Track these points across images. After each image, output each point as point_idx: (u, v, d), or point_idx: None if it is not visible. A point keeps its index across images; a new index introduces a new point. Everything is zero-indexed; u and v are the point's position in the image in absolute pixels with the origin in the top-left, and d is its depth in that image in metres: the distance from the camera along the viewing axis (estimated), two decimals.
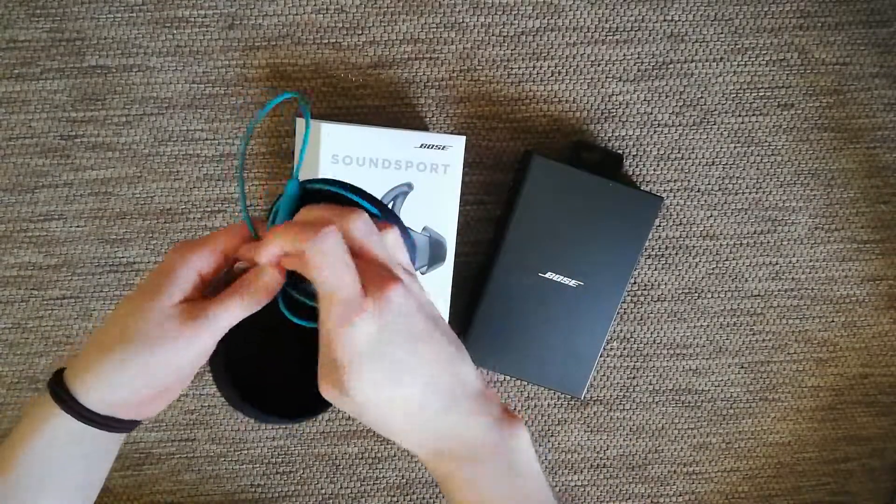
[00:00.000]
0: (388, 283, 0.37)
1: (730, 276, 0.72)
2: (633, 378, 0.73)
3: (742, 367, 0.73)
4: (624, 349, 0.73)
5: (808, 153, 0.71)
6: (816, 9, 0.69)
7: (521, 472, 0.39)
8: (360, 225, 0.38)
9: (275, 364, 0.49)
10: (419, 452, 0.40)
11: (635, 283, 0.72)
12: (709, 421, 0.74)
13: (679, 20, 0.69)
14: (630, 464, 0.74)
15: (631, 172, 0.70)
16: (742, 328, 0.73)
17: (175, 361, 0.40)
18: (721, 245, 0.72)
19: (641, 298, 0.72)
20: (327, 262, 0.36)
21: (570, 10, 0.68)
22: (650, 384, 0.73)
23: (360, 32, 0.67)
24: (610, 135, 0.70)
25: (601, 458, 0.74)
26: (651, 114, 0.70)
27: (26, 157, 0.67)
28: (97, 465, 0.43)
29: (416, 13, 0.67)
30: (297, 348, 0.49)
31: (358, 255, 0.38)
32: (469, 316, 0.66)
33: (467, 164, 0.68)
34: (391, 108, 0.68)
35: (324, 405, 0.49)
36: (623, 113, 0.70)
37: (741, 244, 0.72)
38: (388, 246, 0.40)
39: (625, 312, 0.72)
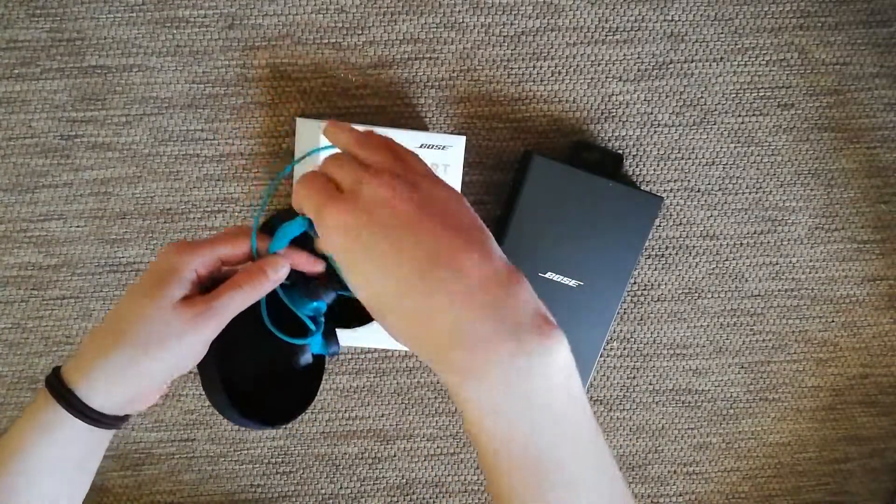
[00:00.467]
0: (364, 175, 0.36)
1: (730, 276, 0.72)
2: (633, 378, 0.73)
3: (742, 367, 0.73)
4: (624, 349, 0.72)
5: (808, 153, 0.71)
6: (816, 9, 0.69)
7: (537, 402, 0.31)
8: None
9: (262, 370, 0.49)
10: (427, 361, 0.34)
11: (635, 283, 0.72)
12: (709, 421, 0.74)
13: (679, 20, 0.69)
14: (630, 464, 0.74)
15: (631, 172, 0.70)
16: (742, 328, 0.73)
17: (182, 357, 0.41)
18: (721, 245, 0.72)
19: (641, 298, 0.72)
20: (303, 182, 0.38)
21: (570, 10, 0.68)
22: (650, 384, 0.73)
23: (360, 32, 0.67)
24: (610, 135, 0.70)
25: None
26: (651, 114, 0.70)
27: (26, 157, 0.67)
28: (91, 461, 0.44)
29: (416, 13, 0.67)
30: (283, 356, 0.50)
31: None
32: None
33: (467, 164, 0.68)
34: (391, 108, 0.68)
35: (305, 405, 0.50)
36: (623, 113, 0.70)
37: (741, 244, 0.72)
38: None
39: (625, 312, 0.72)
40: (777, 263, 0.72)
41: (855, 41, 0.70)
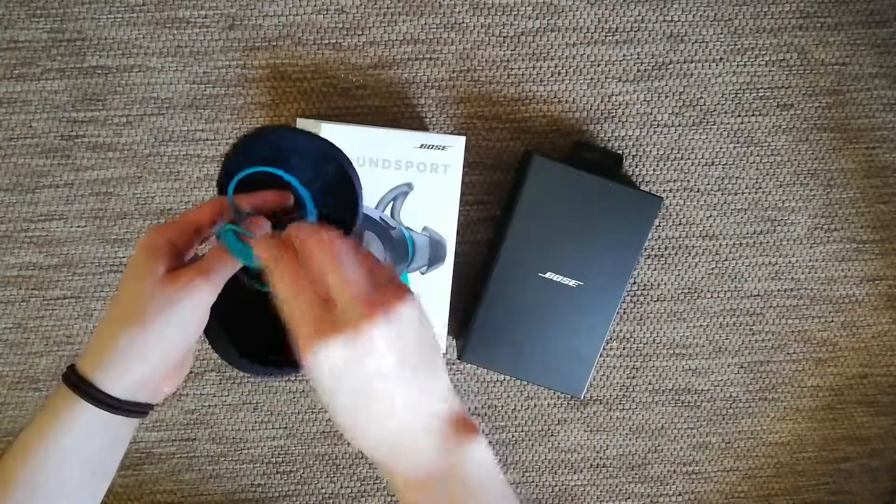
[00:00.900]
0: (401, 295, 0.37)
1: (729, 276, 0.72)
2: (633, 378, 0.73)
3: (741, 367, 0.73)
4: (624, 349, 0.73)
5: (808, 153, 0.71)
6: (816, 9, 0.69)
7: (477, 486, 0.38)
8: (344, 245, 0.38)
9: (268, 320, 0.49)
10: (385, 472, 0.39)
11: (635, 283, 0.72)
12: (708, 421, 0.74)
13: (679, 20, 0.69)
14: (630, 463, 0.74)
15: (631, 172, 0.70)
16: (741, 328, 0.73)
17: (182, 326, 0.41)
18: (721, 245, 0.72)
19: (641, 298, 0.72)
20: (340, 259, 0.36)
21: (570, 11, 0.68)
22: (650, 384, 0.73)
23: (360, 33, 0.67)
24: (610, 135, 0.70)
25: (601, 458, 0.74)
26: (651, 114, 0.70)
27: (27, 158, 0.67)
28: (113, 453, 0.44)
29: (416, 13, 0.67)
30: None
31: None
32: (469, 316, 0.66)
33: (467, 164, 0.68)
34: (391, 108, 0.68)
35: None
36: (623, 113, 0.70)
37: (741, 244, 0.72)
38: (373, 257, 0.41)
39: (625, 312, 0.72)
40: (776, 263, 0.72)
41: (854, 41, 0.70)
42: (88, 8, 0.66)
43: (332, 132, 0.61)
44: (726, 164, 0.71)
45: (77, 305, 0.69)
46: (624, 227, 0.65)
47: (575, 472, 0.74)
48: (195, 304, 0.41)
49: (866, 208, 0.72)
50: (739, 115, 0.70)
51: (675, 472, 0.75)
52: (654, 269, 0.72)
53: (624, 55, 0.69)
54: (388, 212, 0.63)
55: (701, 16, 0.69)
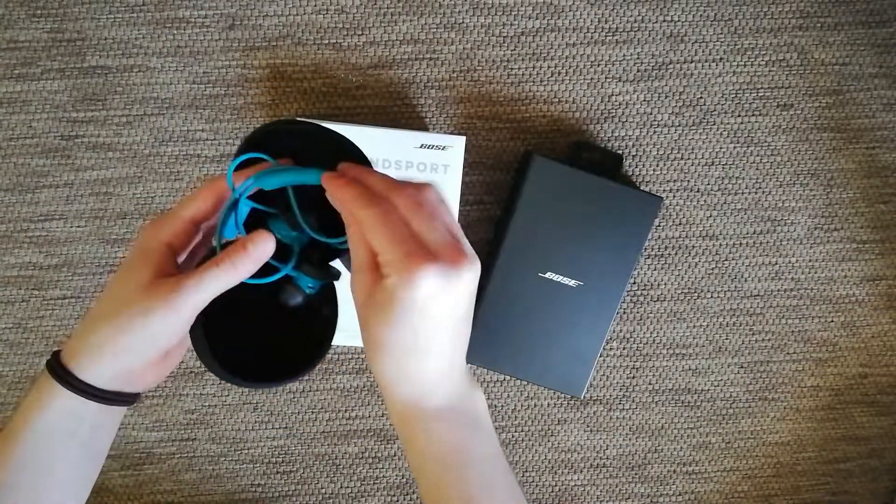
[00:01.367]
0: (461, 254, 0.38)
1: (729, 276, 0.72)
2: (633, 378, 0.73)
3: (741, 367, 0.74)
4: (624, 349, 0.73)
5: (808, 153, 0.71)
6: (816, 9, 0.69)
7: (481, 426, 0.44)
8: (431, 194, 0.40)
9: (253, 331, 0.48)
10: (400, 402, 0.41)
11: (635, 283, 0.72)
12: (708, 421, 0.74)
13: (679, 20, 0.69)
14: (629, 463, 0.74)
15: (631, 172, 0.71)
16: (741, 328, 0.73)
17: (160, 333, 0.41)
18: (721, 245, 0.72)
19: (641, 298, 0.72)
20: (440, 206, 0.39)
21: (570, 11, 0.68)
22: (650, 384, 0.73)
23: (361, 33, 0.67)
24: (610, 135, 0.70)
25: (601, 458, 0.74)
26: (651, 114, 0.70)
27: (27, 158, 0.67)
28: (100, 438, 0.44)
29: (416, 13, 0.67)
30: (275, 319, 0.49)
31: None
32: None
33: (467, 165, 0.69)
34: (391, 109, 0.68)
35: (303, 369, 0.49)
36: (623, 113, 0.70)
37: (741, 244, 0.72)
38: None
39: (625, 312, 0.72)
40: (776, 263, 0.72)
41: (854, 41, 0.70)
42: (88, 8, 0.66)
43: None
44: (726, 164, 0.71)
45: (77, 305, 0.69)
46: (624, 227, 0.65)
47: (575, 472, 0.74)
48: (171, 318, 0.40)
49: (866, 208, 0.72)
50: (739, 115, 0.70)
51: (675, 472, 0.75)
52: (654, 269, 0.72)
53: (624, 55, 0.69)
54: None
55: (701, 16, 0.69)
